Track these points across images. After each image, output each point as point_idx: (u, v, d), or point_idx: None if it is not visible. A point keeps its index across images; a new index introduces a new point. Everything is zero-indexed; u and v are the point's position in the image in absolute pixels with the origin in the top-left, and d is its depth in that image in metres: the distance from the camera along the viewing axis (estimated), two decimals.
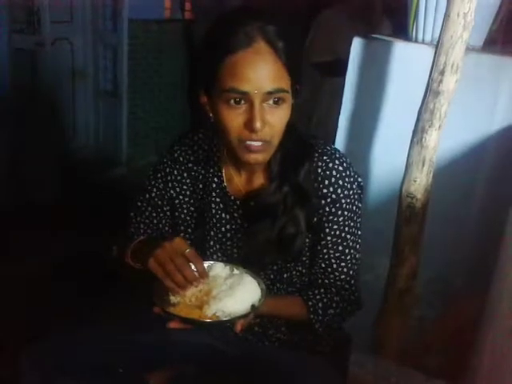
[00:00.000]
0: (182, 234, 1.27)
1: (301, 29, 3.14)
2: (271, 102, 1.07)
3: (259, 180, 1.23)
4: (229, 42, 1.04)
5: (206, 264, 1.15)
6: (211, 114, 1.14)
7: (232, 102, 1.06)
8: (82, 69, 4.05)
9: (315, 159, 1.19)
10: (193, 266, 1.08)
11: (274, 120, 1.08)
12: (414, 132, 1.55)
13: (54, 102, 3.71)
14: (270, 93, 1.05)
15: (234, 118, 1.07)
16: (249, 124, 1.06)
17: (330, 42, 3.07)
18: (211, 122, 1.15)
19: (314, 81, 3.07)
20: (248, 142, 1.08)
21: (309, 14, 3.34)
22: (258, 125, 1.05)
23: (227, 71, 1.05)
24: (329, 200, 1.19)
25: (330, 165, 1.18)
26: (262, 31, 1.05)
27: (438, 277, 1.81)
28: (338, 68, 2.27)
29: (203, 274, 1.09)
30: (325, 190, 1.19)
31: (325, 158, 1.19)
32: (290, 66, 1.07)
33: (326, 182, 1.18)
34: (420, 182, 1.56)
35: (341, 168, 1.18)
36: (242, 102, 1.06)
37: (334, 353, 1.32)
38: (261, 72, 1.04)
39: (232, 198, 1.24)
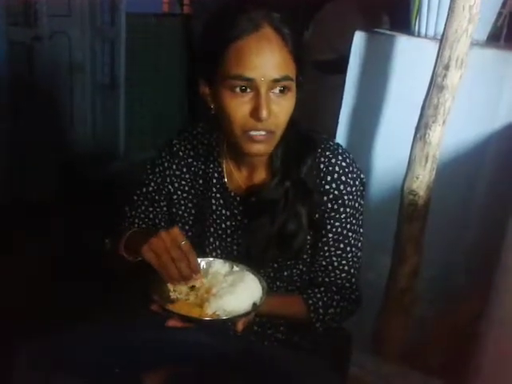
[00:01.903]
0: None
1: (301, 24, 3.10)
2: (277, 90, 1.04)
3: (260, 175, 1.20)
4: (234, 28, 1.02)
5: (205, 261, 1.13)
6: (212, 106, 1.11)
7: (237, 89, 1.03)
8: (80, 62, 4.00)
9: (318, 154, 1.16)
10: None
11: (280, 110, 1.06)
12: (417, 128, 1.53)
13: (51, 96, 3.68)
14: (276, 80, 1.03)
15: (238, 107, 1.04)
16: (254, 113, 1.03)
17: (331, 39, 3.03)
18: (212, 114, 1.12)
19: (312, 77, 3.04)
20: (252, 132, 1.05)
21: (308, 9, 3.30)
22: (264, 113, 1.02)
23: (232, 57, 1.02)
24: (331, 196, 1.16)
25: (333, 160, 1.16)
26: (267, 17, 1.03)
27: (440, 275, 1.79)
28: (341, 65, 2.23)
29: (196, 270, 1.05)
30: (327, 186, 1.16)
31: (327, 153, 1.16)
32: (295, 53, 1.05)
33: (329, 177, 1.16)
34: (422, 179, 1.54)
35: (344, 164, 1.16)
36: (248, 89, 1.03)
37: (334, 353, 1.30)
38: (267, 58, 1.02)
39: (232, 194, 1.22)
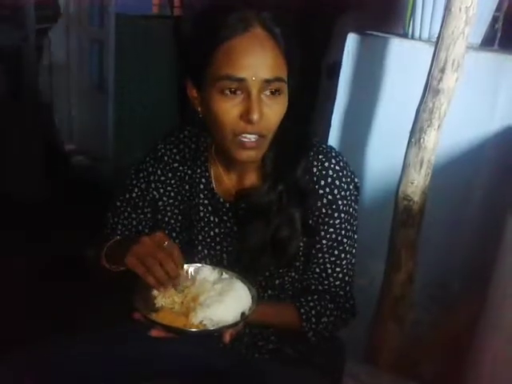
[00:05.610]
0: None
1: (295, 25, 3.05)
2: (268, 92, 1.01)
3: (251, 180, 1.16)
4: (224, 28, 0.99)
5: (193, 267, 1.09)
6: (199, 109, 1.08)
7: (227, 91, 1.00)
8: (68, 64, 3.97)
9: (310, 158, 1.13)
10: None
11: (271, 112, 1.02)
12: (412, 132, 1.50)
13: (38, 98, 3.64)
14: (267, 81, 1.00)
15: (228, 110, 1.00)
16: (245, 115, 0.99)
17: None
18: (199, 118, 1.09)
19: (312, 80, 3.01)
20: (242, 137, 1.02)
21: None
22: (255, 116, 0.99)
23: (222, 58, 0.99)
24: (325, 201, 1.13)
25: (326, 164, 1.12)
26: (258, 16, 1.00)
27: (435, 281, 1.76)
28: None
29: (179, 264, 1.00)
30: (320, 191, 1.12)
31: (320, 156, 1.13)
32: (287, 53, 1.02)
33: (322, 182, 1.12)
34: (417, 184, 1.51)
35: (337, 167, 1.13)
36: (238, 91, 1.00)
37: (327, 363, 1.26)
38: (258, 58, 0.99)
39: (221, 200, 1.18)
